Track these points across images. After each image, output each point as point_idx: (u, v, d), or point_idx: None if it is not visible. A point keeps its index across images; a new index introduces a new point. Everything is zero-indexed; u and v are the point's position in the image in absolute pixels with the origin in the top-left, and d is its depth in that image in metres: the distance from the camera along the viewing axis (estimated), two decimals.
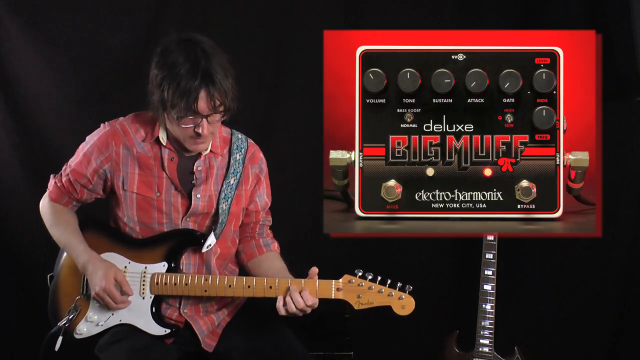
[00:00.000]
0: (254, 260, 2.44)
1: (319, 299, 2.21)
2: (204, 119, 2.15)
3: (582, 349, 3.41)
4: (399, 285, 2.19)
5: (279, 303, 2.20)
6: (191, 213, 2.31)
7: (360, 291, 2.19)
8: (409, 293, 2.19)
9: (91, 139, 2.34)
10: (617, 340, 3.40)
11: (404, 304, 2.19)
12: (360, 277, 2.19)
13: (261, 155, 2.44)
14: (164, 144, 2.29)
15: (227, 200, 2.33)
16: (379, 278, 2.20)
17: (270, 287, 2.21)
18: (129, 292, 2.26)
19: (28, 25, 3.17)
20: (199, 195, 2.31)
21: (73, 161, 2.35)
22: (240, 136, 2.41)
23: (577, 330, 3.39)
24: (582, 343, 3.40)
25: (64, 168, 2.38)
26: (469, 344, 2.96)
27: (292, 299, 2.18)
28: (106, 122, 2.35)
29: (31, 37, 3.17)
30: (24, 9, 3.17)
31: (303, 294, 2.19)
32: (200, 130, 2.17)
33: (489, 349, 2.91)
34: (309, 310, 2.22)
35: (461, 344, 3.01)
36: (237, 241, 2.46)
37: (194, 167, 2.31)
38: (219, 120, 2.21)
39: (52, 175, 2.41)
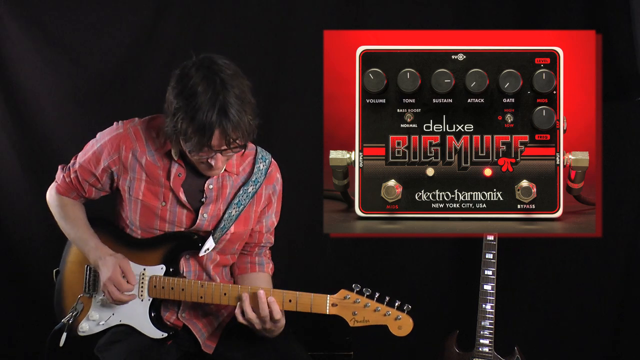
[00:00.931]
0: (244, 276, 2.42)
1: (314, 314, 2.15)
2: (218, 153, 2.10)
3: (582, 349, 3.41)
4: (397, 304, 2.12)
5: (237, 309, 2.15)
6: (195, 229, 2.29)
7: (356, 308, 2.13)
8: (407, 313, 2.12)
9: (102, 137, 2.29)
10: (617, 340, 3.40)
11: (400, 324, 2.12)
12: (357, 292, 2.12)
13: (278, 175, 2.39)
14: (175, 159, 2.24)
15: (239, 207, 2.29)
16: (377, 295, 2.13)
17: None
18: (132, 281, 2.24)
19: (28, 25, 3.17)
20: (205, 215, 2.27)
21: (82, 157, 2.32)
22: (265, 152, 2.36)
23: (577, 330, 3.39)
24: (582, 343, 3.41)
25: (72, 162, 2.35)
26: (469, 344, 2.96)
27: (250, 305, 2.13)
28: (120, 122, 2.30)
29: (31, 37, 3.17)
30: (24, 9, 3.17)
31: (270, 303, 2.13)
32: (213, 163, 2.12)
33: (489, 349, 2.91)
34: (269, 325, 2.15)
35: (461, 344, 3.01)
36: (236, 256, 2.45)
37: (206, 185, 2.27)
38: (237, 152, 2.14)
39: (60, 167, 2.39)
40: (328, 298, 2.15)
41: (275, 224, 2.44)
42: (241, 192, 2.29)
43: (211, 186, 2.27)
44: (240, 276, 2.43)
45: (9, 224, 3.30)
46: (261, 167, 2.32)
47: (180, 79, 2.06)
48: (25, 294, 3.32)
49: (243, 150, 2.14)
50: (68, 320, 2.29)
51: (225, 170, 2.27)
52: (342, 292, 2.14)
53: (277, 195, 2.40)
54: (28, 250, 3.30)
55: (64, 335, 2.28)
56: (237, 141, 2.06)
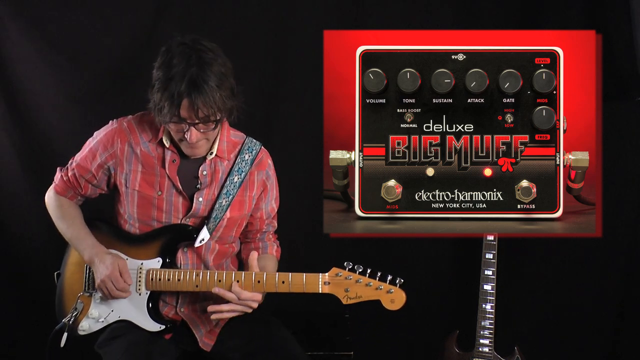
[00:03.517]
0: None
1: (309, 294, 2.19)
2: (192, 127, 2.15)
3: (582, 349, 3.41)
4: (389, 278, 2.16)
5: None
6: (191, 215, 2.32)
7: (348, 285, 2.17)
8: (399, 286, 2.16)
9: (98, 134, 2.37)
10: (617, 340, 3.40)
11: (393, 297, 2.15)
12: (349, 270, 2.17)
13: (269, 161, 2.44)
14: (167, 146, 2.30)
15: (228, 197, 2.34)
16: (369, 271, 2.17)
17: (259, 282, 2.21)
18: (128, 281, 2.28)
19: (28, 25, 3.17)
20: (201, 199, 2.32)
21: (79, 156, 2.39)
22: (254, 141, 2.41)
23: (577, 330, 3.39)
24: (582, 343, 3.41)
25: (70, 162, 2.41)
26: (469, 344, 2.96)
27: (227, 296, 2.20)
28: (114, 120, 2.37)
29: (31, 37, 3.17)
30: (24, 9, 3.16)
31: (233, 288, 2.20)
32: (187, 137, 2.17)
33: (489, 349, 2.91)
34: (239, 307, 2.21)
35: (461, 344, 3.01)
36: (239, 242, 2.49)
37: (199, 172, 2.32)
38: (212, 129, 2.20)
39: (58, 168, 2.45)
40: (320, 276, 2.19)
41: (276, 209, 2.49)
42: (228, 182, 2.34)
43: (205, 172, 2.32)
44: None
45: (9, 224, 3.30)
46: (246, 157, 2.36)
47: (163, 53, 2.15)
48: (25, 294, 3.32)
49: (218, 126, 2.20)
50: (68, 320, 2.31)
51: (216, 155, 2.32)
52: (334, 270, 2.19)
53: (272, 180, 2.45)
54: (28, 251, 3.30)
55: (65, 335, 2.30)
56: (210, 117, 2.13)
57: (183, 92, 2.07)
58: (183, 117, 2.12)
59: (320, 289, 2.19)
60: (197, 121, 2.13)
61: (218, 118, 2.16)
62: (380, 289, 2.16)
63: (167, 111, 2.11)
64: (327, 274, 2.19)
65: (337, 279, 2.17)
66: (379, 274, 2.17)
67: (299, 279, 2.19)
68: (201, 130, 2.18)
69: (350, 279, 2.16)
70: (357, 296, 2.16)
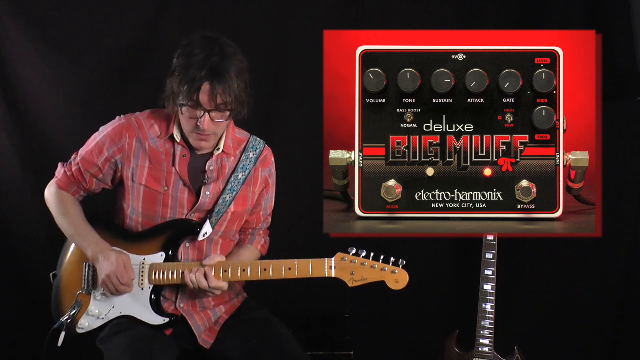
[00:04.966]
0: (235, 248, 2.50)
1: (315, 278, 2.25)
2: (206, 114, 2.16)
3: (582, 349, 3.41)
4: (392, 260, 2.24)
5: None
6: (196, 209, 2.34)
7: (354, 268, 2.23)
8: (402, 267, 2.23)
9: (105, 129, 2.37)
10: (617, 340, 3.40)
11: (397, 278, 2.23)
12: (353, 254, 2.24)
13: (273, 159, 2.48)
14: (178, 141, 2.32)
15: (232, 193, 2.36)
16: (372, 254, 2.24)
17: (265, 270, 2.24)
18: (131, 275, 2.30)
19: (28, 25, 3.16)
20: (207, 193, 2.35)
21: (84, 150, 2.39)
22: (258, 140, 2.44)
23: (577, 330, 3.39)
24: (582, 343, 3.40)
25: (73, 157, 2.41)
26: (469, 344, 2.96)
27: (195, 277, 2.26)
28: (122, 115, 2.39)
29: (31, 37, 3.17)
30: (24, 9, 3.16)
31: (207, 276, 2.26)
32: (200, 124, 2.18)
33: (489, 349, 2.91)
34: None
35: (461, 344, 3.01)
36: (238, 236, 2.52)
37: (207, 167, 2.35)
38: (224, 120, 2.22)
39: (60, 164, 2.45)
40: (326, 261, 2.25)
41: (273, 207, 2.54)
42: (232, 178, 2.36)
43: (212, 167, 2.35)
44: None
45: (9, 224, 3.30)
46: (251, 155, 2.39)
47: (185, 45, 2.20)
48: (25, 294, 3.31)
49: (231, 118, 2.22)
50: (67, 319, 2.31)
51: (223, 151, 2.35)
52: (339, 255, 2.26)
53: (274, 178, 2.49)
54: (28, 251, 3.29)
55: (63, 334, 2.30)
56: (228, 104, 2.16)
57: (204, 77, 2.11)
58: (200, 102, 2.14)
59: (326, 274, 2.25)
60: (214, 109, 2.16)
61: (233, 108, 2.18)
62: (385, 270, 2.23)
63: (185, 95, 2.14)
64: (332, 258, 2.25)
65: (343, 263, 2.24)
66: (382, 256, 2.25)
67: (305, 265, 2.25)
68: (215, 120, 2.20)
69: (356, 262, 2.24)
70: (363, 278, 2.24)
